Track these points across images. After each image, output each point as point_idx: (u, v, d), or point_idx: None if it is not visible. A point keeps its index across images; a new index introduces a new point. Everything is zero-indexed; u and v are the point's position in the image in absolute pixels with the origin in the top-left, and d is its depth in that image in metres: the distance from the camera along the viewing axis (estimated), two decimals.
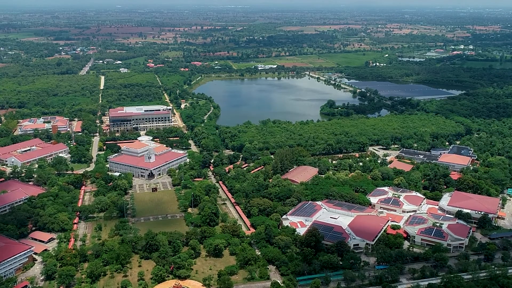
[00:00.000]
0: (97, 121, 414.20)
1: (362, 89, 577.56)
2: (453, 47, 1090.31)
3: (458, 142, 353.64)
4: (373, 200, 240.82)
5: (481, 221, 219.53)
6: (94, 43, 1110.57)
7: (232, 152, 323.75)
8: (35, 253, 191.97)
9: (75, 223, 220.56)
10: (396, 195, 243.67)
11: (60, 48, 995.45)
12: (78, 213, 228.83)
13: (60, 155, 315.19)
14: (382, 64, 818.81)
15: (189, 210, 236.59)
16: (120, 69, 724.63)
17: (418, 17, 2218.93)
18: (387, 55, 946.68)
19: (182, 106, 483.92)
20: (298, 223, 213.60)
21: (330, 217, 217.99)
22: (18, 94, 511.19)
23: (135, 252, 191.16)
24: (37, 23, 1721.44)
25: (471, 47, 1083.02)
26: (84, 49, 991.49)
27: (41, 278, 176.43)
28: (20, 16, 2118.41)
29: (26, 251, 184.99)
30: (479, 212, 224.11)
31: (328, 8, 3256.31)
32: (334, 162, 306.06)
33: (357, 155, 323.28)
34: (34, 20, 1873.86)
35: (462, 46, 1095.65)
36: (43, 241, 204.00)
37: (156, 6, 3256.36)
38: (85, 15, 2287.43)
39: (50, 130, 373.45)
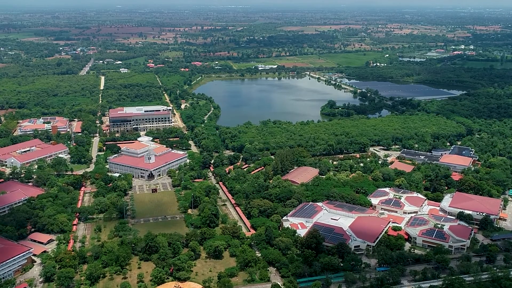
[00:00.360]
0: (97, 122, 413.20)
1: (363, 90, 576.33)
2: (453, 47, 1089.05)
3: (459, 143, 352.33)
4: (374, 201, 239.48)
5: (482, 222, 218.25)
6: (94, 43, 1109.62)
7: (232, 153, 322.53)
8: (34, 255, 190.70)
9: (75, 225, 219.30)
10: (397, 196, 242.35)
11: (60, 48, 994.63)
12: (78, 214, 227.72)
13: (60, 155, 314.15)
14: (382, 64, 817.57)
15: (189, 211, 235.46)
16: (120, 69, 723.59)
17: (418, 17, 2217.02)
18: (387, 55, 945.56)
19: (182, 106, 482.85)
20: (299, 224, 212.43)
21: (331, 219, 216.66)
22: (18, 94, 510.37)
23: (134, 253, 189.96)
24: (37, 23, 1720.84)
25: (471, 47, 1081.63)
26: (84, 49, 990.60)
27: (40, 280, 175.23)
28: (21, 16, 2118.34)
29: (25, 253, 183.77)
30: (481, 214, 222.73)
31: (329, 8, 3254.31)
32: (334, 162, 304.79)
33: (357, 155, 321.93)
34: (34, 20, 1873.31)
35: (462, 46, 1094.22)
36: (42, 243, 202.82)
37: (156, 6, 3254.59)
38: (85, 15, 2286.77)
39: (50, 130, 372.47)
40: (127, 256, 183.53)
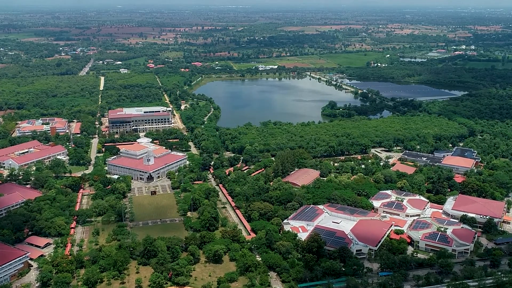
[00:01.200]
0: (96, 123, 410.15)
1: (364, 90, 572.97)
2: (454, 47, 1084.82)
3: (461, 144, 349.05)
4: (376, 204, 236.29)
5: (486, 225, 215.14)
6: (94, 44, 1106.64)
7: (232, 154, 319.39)
8: (31, 259, 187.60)
9: (72, 228, 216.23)
10: (399, 199, 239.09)
11: (60, 48, 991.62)
12: (76, 217, 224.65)
13: (58, 157, 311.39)
14: (383, 65, 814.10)
15: (189, 214, 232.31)
16: (120, 69, 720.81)
17: (419, 17, 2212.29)
18: (388, 56, 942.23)
19: (182, 107, 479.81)
20: (300, 227, 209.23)
21: (332, 222, 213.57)
22: (17, 95, 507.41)
23: (133, 258, 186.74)
24: (37, 24, 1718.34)
25: (472, 47, 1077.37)
26: (84, 49, 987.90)
27: (37, 285, 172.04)
28: (21, 16, 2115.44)
29: (21, 257, 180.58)
30: (484, 217, 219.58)
31: (329, 8, 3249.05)
32: (336, 164, 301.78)
33: (359, 157, 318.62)
34: (34, 21, 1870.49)
35: (463, 46, 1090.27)
36: (39, 246, 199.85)
37: (157, 6, 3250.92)
38: (85, 15, 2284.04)
39: (49, 131, 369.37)
40: (125, 261, 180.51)
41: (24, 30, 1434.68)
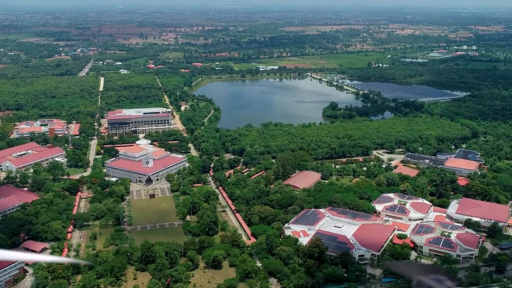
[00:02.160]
0: (95, 124, 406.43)
1: (365, 91, 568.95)
2: (456, 47, 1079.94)
3: (464, 146, 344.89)
4: (378, 207, 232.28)
5: (491, 230, 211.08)
6: (94, 44, 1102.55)
7: (232, 156, 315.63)
8: (27, 265, 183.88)
9: (69, 232, 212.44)
10: (402, 202, 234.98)
11: (60, 49, 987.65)
12: (73, 221, 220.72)
13: (57, 159, 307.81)
14: (385, 65, 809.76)
15: (188, 217, 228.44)
16: (120, 70, 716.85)
17: (420, 17, 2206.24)
18: (389, 56, 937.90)
19: (182, 108, 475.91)
20: (301, 232, 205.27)
21: (334, 226, 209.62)
22: (16, 96, 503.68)
23: (130, 263, 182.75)
24: (38, 24, 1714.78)
25: (474, 47, 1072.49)
26: (84, 50, 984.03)
27: None
28: (22, 16, 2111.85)
29: (16, 263, 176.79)
30: (489, 221, 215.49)
31: (330, 8, 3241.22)
32: (337, 166, 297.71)
33: (361, 159, 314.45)
34: (35, 21, 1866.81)
35: (465, 47, 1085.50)
36: (35, 251, 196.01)
37: (157, 7, 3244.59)
38: (86, 15, 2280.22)
39: (47, 133, 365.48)
40: (123, 266, 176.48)
41: (25, 31, 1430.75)
